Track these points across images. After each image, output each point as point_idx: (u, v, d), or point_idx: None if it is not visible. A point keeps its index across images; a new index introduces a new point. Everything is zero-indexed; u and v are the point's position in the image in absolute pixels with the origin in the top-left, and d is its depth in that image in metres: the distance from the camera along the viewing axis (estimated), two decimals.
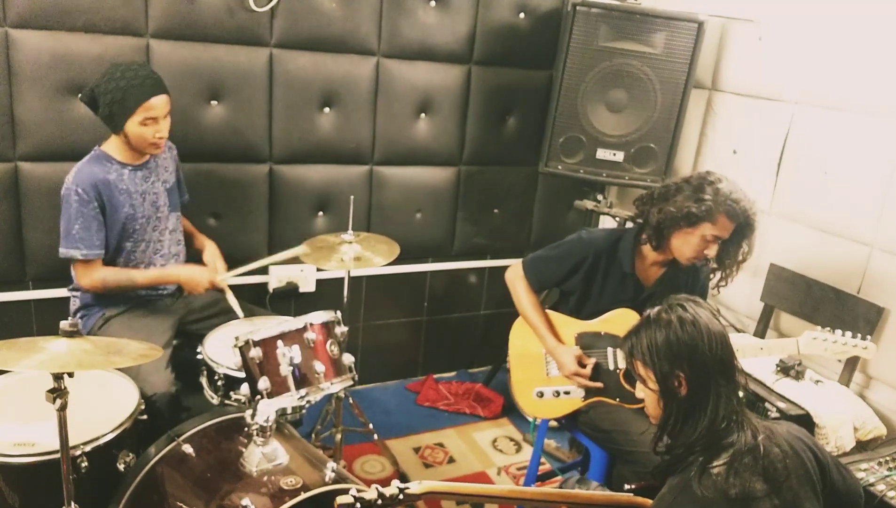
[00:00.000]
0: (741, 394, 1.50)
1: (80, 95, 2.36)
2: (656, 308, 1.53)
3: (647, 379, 1.52)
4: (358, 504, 1.45)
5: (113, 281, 2.40)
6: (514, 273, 2.48)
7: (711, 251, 2.19)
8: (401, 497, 1.49)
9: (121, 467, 2.00)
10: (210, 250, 2.66)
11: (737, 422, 1.46)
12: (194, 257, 2.68)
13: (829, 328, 2.15)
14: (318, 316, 2.13)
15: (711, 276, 2.36)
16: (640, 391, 1.57)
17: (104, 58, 2.61)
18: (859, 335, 2.13)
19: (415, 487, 1.51)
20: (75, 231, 2.30)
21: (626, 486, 1.74)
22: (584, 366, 2.31)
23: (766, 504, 1.38)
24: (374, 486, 1.48)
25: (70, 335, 1.68)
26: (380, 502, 1.47)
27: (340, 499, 1.45)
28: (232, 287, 2.61)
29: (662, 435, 1.51)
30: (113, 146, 2.40)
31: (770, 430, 1.50)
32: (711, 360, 1.46)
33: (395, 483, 1.50)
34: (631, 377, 2.28)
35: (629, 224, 2.40)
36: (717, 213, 2.13)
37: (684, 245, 2.21)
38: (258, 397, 1.99)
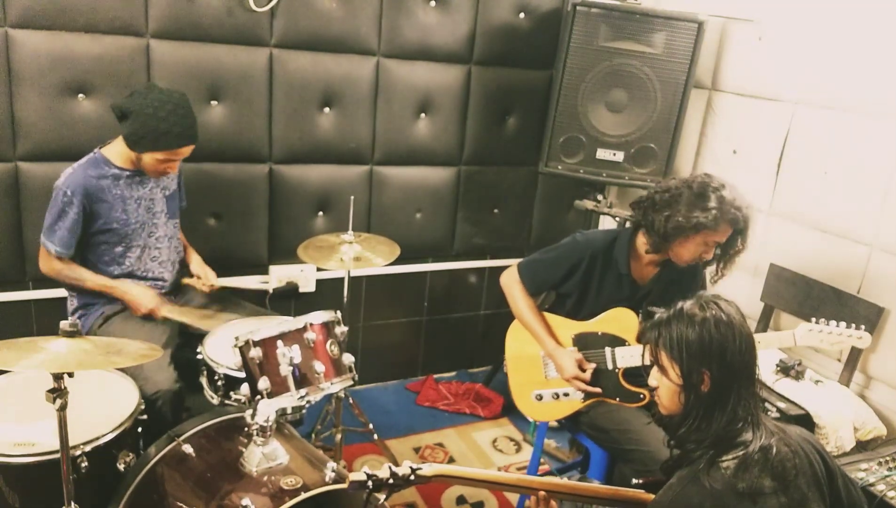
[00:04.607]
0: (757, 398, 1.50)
1: (112, 104, 2.35)
2: (689, 302, 1.52)
3: (669, 370, 1.51)
4: (370, 482, 1.45)
5: (66, 275, 2.42)
6: (510, 277, 2.47)
7: (709, 254, 2.20)
8: (412, 477, 1.50)
9: (121, 467, 2.00)
10: (196, 261, 2.70)
11: (752, 423, 1.46)
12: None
13: (823, 320, 2.15)
14: (318, 316, 2.13)
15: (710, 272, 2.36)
16: (654, 380, 1.57)
17: (104, 58, 2.62)
18: (853, 325, 2.14)
19: (426, 469, 1.52)
20: (57, 228, 2.34)
21: (634, 480, 1.74)
22: (583, 370, 2.31)
23: (773, 500, 1.39)
24: (386, 465, 1.49)
25: (70, 335, 1.68)
26: (391, 481, 1.47)
27: (353, 476, 1.46)
28: (231, 288, 2.63)
29: (680, 428, 1.50)
30: (114, 152, 2.40)
31: (783, 431, 1.51)
32: (739, 363, 1.46)
33: (407, 463, 1.51)
34: (631, 377, 2.30)
35: (629, 225, 2.40)
36: (722, 222, 2.13)
37: (684, 250, 2.21)
38: (258, 397, 1.99)
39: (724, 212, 2.11)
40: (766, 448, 1.43)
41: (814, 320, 2.16)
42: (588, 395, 2.33)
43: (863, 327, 2.15)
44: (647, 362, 1.59)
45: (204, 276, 2.64)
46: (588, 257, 2.35)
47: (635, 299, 2.36)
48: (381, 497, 1.52)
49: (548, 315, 2.44)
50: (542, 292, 2.53)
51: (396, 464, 1.50)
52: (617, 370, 2.31)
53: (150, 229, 2.50)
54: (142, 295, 2.44)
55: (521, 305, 2.44)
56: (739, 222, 2.14)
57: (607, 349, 2.32)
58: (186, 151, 2.39)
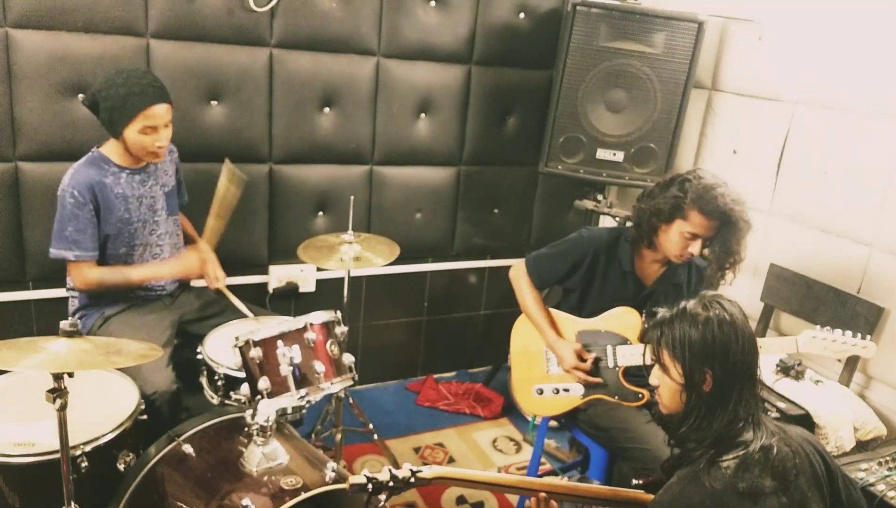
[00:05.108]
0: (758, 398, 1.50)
1: (82, 99, 2.35)
2: (692, 302, 1.52)
3: (671, 369, 1.51)
4: (370, 485, 1.45)
5: (109, 280, 2.39)
6: (518, 271, 2.50)
7: (694, 249, 2.18)
8: (412, 479, 1.50)
9: (121, 467, 2.00)
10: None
11: (753, 423, 1.46)
12: None
13: (828, 327, 2.14)
14: (318, 316, 2.13)
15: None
16: (655, 379, 1.57)
17: (104, 58, 2.62)
18: (859, 335, 2.12)
19: (426, 471, 1.52)
20: (69, 233, 2.30)
21: (634, 481, 1.74)
22: (583, 361, 2.32)
23: (773, 500, 1.38)
24: (386, 468, 1.49)
25: (70, 335, 1.68)
26: (391, 484, 1.47)
27: (353, 479, 1.45)
28: (231, 288, 2.62)
29: (681, 427, 1.51)
30: (111, 149, 2.39)
31: (783, 431, 1.51)
32: (741, 363, 1.46)
33: (407, 465, 1.50)
34: (631, 376, 2.30)
35: (629, 223, 2.41)
36: (689, 209, 2.12)
37: (666, 242, 2.23)
38: (258, 397, 1.99)
39: (690, 200, 2.11)
40: (767, 448, 1.43)
41: (818, 327, 2.14)
42: (588, 391, 2.34)
43: (868, 336, 2.12)
44: (649, 361, 1.59)
45: (213, 274, 2.58)
46: (592, 253, 2.36)
47: (639, 298, 2.36)
48: (382, 497, 1.52)
49: (554, 312, 2.46)
50: (547, 286, 2.55)
51: (396, 464, 1.51)
52: (617, 369, 2.32)
53: (151, 227, 2.50)
54: (188, 265, 2.47)
55: (527, 297, 2.46)
56: (713, 211, 2.10)
57: (609, 347, 2.33)
58: (161, 113, 2.30)
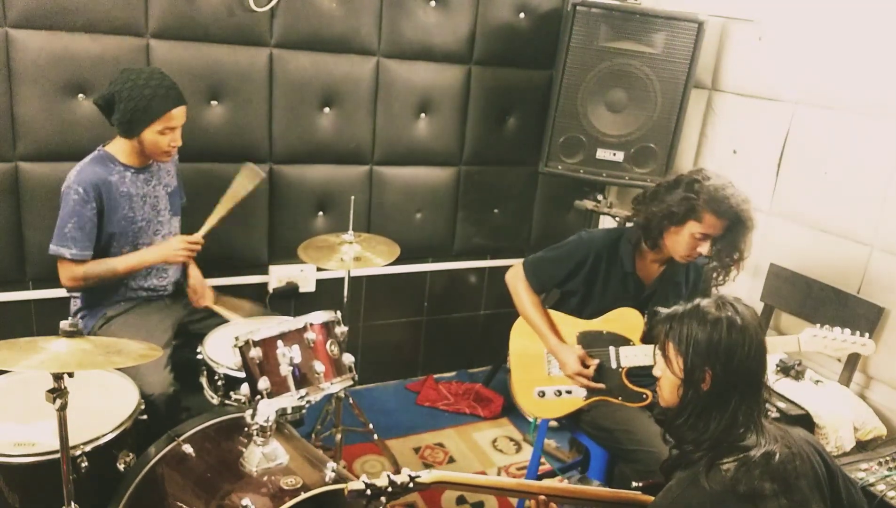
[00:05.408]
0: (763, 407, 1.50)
1: (94, 99, 2.34)
2: (707, 300, 1.52)
3: (673, 363, 1.51)
4: (369, 491, 1.45)
5: (93, 273, 2.36)
6: (515, 275, 2.48)
7: (704, 249, 2.19)
8: (411, 485, 1.49)
9: (121, 467, 2.00)
10: (195, 276, 2.64)
11: (755, 430, 1.46)
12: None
13: (828, 326, 2.15)
14: (318, 316, 2.13)
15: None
16: (658, 370, 1.57)
17: (104, 58, 2.62)
18: (858, 332, 2.14)
19: (425, 476, 1.52)
20: (68, 229, 2.30)
21: (634, 483, 1.74)
22: (586, 366, 2.31)
23: (773, 503, 1.38)
24: (384, 473, 1.49)
25: (70, 335, 1.68)
26: (390, 489, 1.47)
27: (352, 485, 1.45)
28: (231, 288, 2.61)
29: (676, 421, 1.51)
30: (117, 148, 2.39)
31: (785, 432, 1.51)
32: (744, 369, 1.45)
33: (406, 470, 1.50)
34: (634, 376, 2.30)
35: (629, 224, 2.41)
36: (703, 211, 2.12)
37: (676, 244, 2.22)
38: (258, 397, 1.99)
39: (703, 201, 2.11)
40: (769, 453, 1.42)
41: (818, 325, 2.15)
42: (591, 393, 2.33)
43: (867, 334, 2.13)
44: (654, 360, 1.59)
45: (201, 293, 2.59)
46: (593, 255, 2.36)
47: (640, 298, 2.36)
48: (382, 500, 1.52)
49: (552, 313, 2.44)
50: (546, 289, 2.54)
51: (396, 464, 1.51)
52: (620, 370, 2.31)
53: (155, 228, 2.50)
54: (171, 249, 2.42)
55: (526, 302, 2.44)
56: (725, 212, 2.11)
57: (611, 348, 2.32)
58: (180, 114, 2.34)
